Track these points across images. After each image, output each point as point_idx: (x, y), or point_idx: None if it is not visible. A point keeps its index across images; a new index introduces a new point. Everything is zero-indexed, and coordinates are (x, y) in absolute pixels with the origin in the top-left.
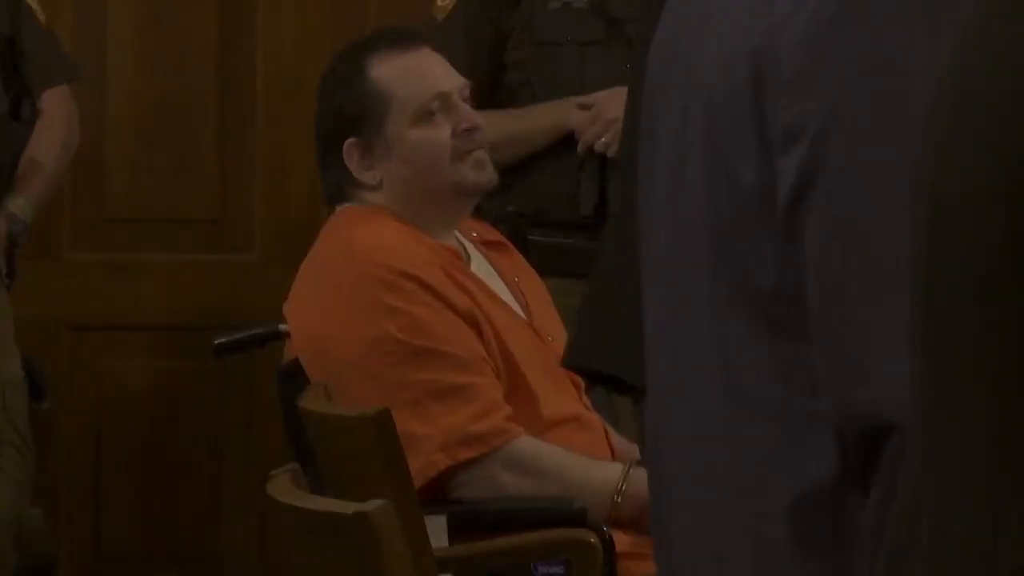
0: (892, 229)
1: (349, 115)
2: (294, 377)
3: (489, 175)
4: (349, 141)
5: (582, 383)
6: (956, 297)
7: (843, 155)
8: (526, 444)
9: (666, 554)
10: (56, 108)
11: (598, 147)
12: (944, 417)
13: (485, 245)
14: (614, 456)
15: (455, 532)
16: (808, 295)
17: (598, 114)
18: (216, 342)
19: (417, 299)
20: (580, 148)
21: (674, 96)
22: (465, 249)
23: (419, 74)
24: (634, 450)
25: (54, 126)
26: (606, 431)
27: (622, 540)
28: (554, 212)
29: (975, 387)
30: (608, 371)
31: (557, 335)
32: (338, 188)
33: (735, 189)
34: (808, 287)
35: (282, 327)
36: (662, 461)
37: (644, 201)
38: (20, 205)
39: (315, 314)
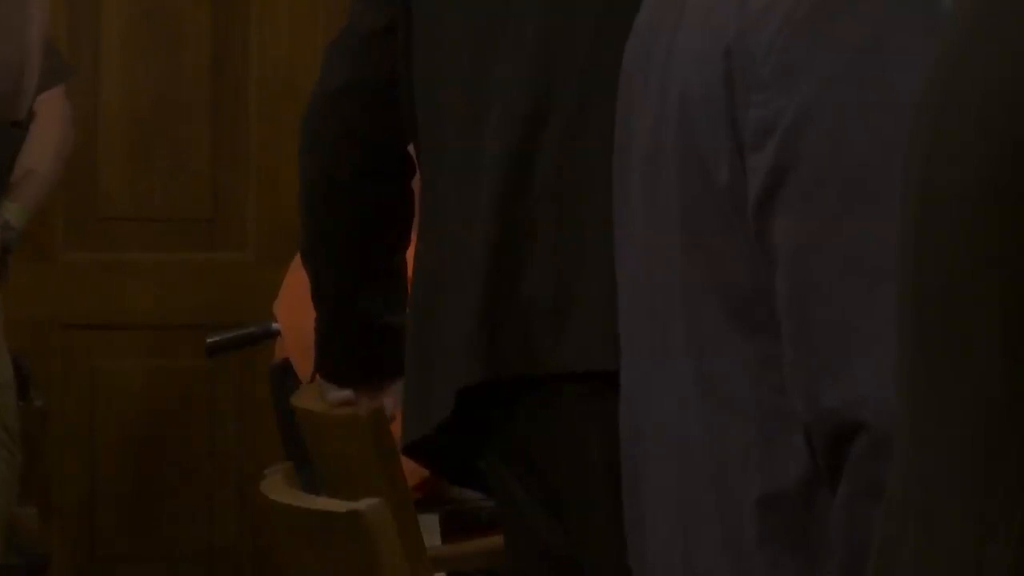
0: (868, 227)
1: None
2: (285, 375)
3: None
4: None
5: None
6: (944, 292)
7: (819, 151)
8: None
9: (640, 550)
10: (50, 112)
11: None
12: (932, 414)
13: None
14: None
15: (448, 531)
16: (777, 293)
17: None
18: (208, 341)
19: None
20: None
21: (648, 98)
22: None
23: None
24: None
25: (49, 130)
26: None
27: None
28: None
29: (963, 384)
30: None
31: None
32: None
33: (710, 189)
34: (777, 285)
35: (274, 326)
36: (638, 458)
37: (618, 203)
38: (15, 212)
39: (307, 312)
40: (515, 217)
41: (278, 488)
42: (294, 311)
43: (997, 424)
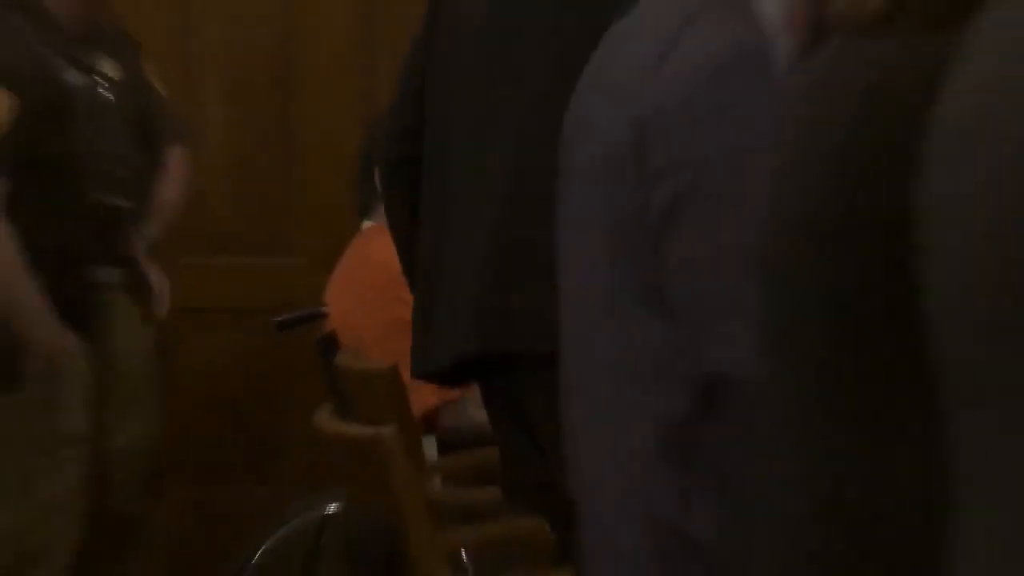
0: (734, 244)
1: None
2: (331, 344)
3: None
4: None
5: None
6: (788, 290)
7: (703, 195)
8: None
9: (577, 479)
10: (179, 161)
11: None
12: (781, 370)
13: None
14: None
15: (443, 448)
16: (674, 289)
17: None
18: (276, 320)
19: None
20: None
21: (583, 137)
22: None
23: None
24: None
25: (178, 176)
26: None
27: None
28: None
29: (805, 344)
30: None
31: None
32: (366, 203)
33: (622, 214)
34: (675, 284)
35: (324, 308)
36: (571, 407)
37: (561, 214)
38: (153, 230)
39: (348, 297)
40: (512, 239)
41: (326, 421)
42: (338, 299)
43: (831, 377)
